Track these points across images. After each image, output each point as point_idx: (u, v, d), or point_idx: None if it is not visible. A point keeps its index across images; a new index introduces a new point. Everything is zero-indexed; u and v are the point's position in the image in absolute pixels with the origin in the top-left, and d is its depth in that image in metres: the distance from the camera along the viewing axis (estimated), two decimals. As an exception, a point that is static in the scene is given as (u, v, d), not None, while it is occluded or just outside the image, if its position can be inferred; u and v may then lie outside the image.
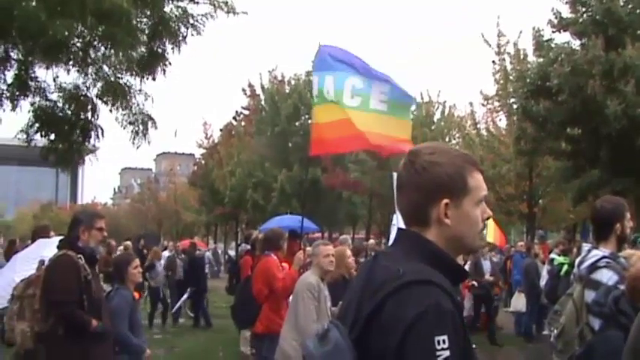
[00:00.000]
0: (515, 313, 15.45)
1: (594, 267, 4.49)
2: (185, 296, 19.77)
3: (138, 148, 15.09)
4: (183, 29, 14.38)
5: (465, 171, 2.14)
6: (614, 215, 4.69)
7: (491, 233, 16.30)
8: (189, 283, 19.57)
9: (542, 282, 13.46)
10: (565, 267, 11.46)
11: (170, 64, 14.97)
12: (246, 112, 50.49)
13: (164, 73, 15.00)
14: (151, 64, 14.87)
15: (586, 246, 4.92)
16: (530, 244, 20.41)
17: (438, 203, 2.11)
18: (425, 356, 1.84)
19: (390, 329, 1.89)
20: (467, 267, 14.91)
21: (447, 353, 1.83)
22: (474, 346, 9.15)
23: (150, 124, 15.37)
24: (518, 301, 15.35)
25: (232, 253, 35.09)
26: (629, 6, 25.14)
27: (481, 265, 14.61)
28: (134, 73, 14.93)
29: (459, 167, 2.13)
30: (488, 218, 2.26)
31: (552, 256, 14.11)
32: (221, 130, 55.22)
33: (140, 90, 15.19)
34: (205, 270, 21.30)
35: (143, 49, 14.64)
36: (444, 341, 1.84)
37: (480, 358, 13.93)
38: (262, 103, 47.47)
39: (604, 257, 4.53)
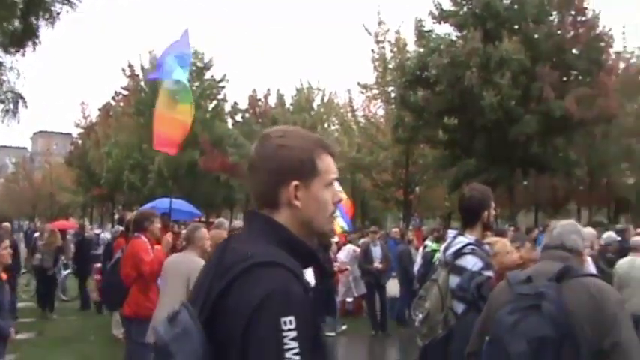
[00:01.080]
0: (389, 299, 15.17)
1: (459, 253, 4.47)
2: (63, 275, 18.60)
3: (8, 126, 14.47)
4: (58, 5, 13.85)
5: (314, 154, 2.10)
6: (482, 203, 4.67)
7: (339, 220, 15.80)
8: (77, 264, 18.42)
9: (416, 268, 13.23)
10: (437, 253, 11.08)
11: (40, 41, 14.37)
12: (125, 93, 48.78)
13: (34, 49, 14.33)
14: (22, 40, 14.19)
15: (451, 232, 4.93)
16: (404, 231, 20.13)
17: (288, 185, 2.06)
18: (271, 337, 1.80)
19: (238, 310, 1.86)
20: (358, 253, 14.64)
21: (293, 334, 1.80)
22: (344, 326, 10.59)
23: (21, 103, 14.94)
24: (392, 287, 15.07)
25: (108, 235, 33.78)
26: (507, 1, 25.59)
27: (371, 252, 14.05)
28: (6, 50, 14.27)
29: (309, 150, 2.10)
30: (339, 201, 2.20)
31: (426, 242, 13.96)
32: (99, 110, 53.46)
33: (12, 67, 14.67)
34: (97, 251, 20.02)
35: (17, 23, 13.93)
36: (290, 322, 1.81)
37: (355, 342, 13.51)
38: (142, 83, 46.04)
39: (469, 244, 4.50)
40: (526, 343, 2.72)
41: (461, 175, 25.15)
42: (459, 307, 4.32)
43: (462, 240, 4.56)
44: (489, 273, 4.35)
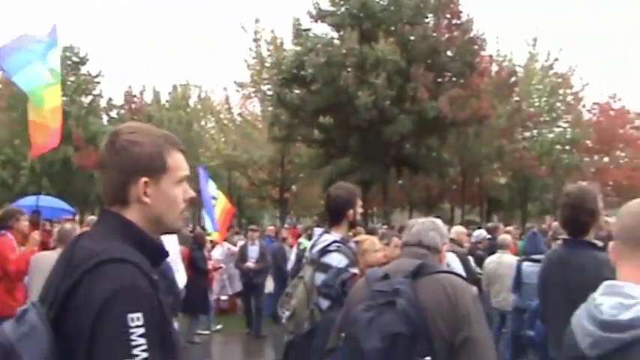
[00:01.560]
0: (266, 295, 15.14)
1: (325, 251, 4.50)
2: None
3: None
4: None
5: (164, 150, 2.12)
6: (347, 202, 4.72)
7: (218, 218, 15.65)
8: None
9: (290, 266, 13.28)
10: (308, 251, 11.15)
11: None
12: (-1, 87, 46.69)
13: None
14: None
15: (318, 230, 4.97)
16: (278, 229, 20.18)
17: (137, 182, 2.07)
18: (117, 333, 1.80)
19: (85, 307, 1.84)
20: (233, 251, 14.49)
21: (140, 330, 1.81)
22: (219, 326, 10.33)
23: None
24: (268, 284, 15.07)
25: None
26: (384, 2, 26.04)
27: (247, 251, 13.92)
28: None
29: (159, 147, 2.12)
30: (190, 199, 2.22)
31: (300, 240, 13.93)
32: (-29, 103, 50.57)
33: None
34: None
35: None
36: (138, 319, 1.82)
37: (230, 341, 13.41)
38: (14, 78, 43.78)
39: (335, 241, 4.53)
40: (380, 340, 2.75)
41: (335, 173, 25.43)
42: (324, 304, 4.38)
43: (328, 238, 4.60)
44: (355, 270, 4.40)
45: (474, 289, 3.54)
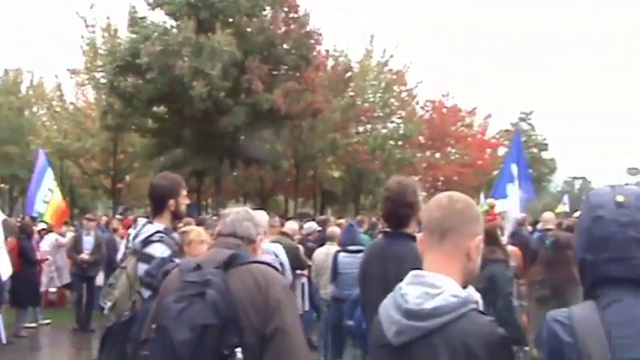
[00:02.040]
0: (97, 288, 15.05)
1: (148, 241, 4.50)
2: None
3: None
4: None
5: None
6: (169, 192, 4.72)
7: (51, 213, 15.47)
8: None
9: (120, 256, 13.22)
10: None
11: None
12: None
13: None
14: None
15: (141, 220, 4.86)
16: (110, 219, 20.06)
17: None
18: None
19: None
20: (62, 242, 14.35)
21: None
22: (49, 320, 10.49)
23: None
24: (98, 277, 15.01)
25: None
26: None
27: (81, 242, 13.63)
28: None
29: None
30: None
31: (130, 231, 13.78)
32: None
33: None
34: None
35: None
36: None
37: (58, 334, 13.16)
38: None
39: (158, 232, 4.53)
40: (189, 331, 2.77)
41: (168, 164, 25.31)
42: (146, 294, 4.34)
43: (151, 228, 4.59)
44: (178, 261, 4.17)
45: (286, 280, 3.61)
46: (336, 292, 8.76)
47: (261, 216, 4.95)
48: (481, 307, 2.17)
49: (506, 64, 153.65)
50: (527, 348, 7.97)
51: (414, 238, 4.07)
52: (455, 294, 2.11)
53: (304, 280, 10.00)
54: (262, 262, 3.19)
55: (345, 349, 9.03)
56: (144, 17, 26.59)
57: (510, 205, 14.05)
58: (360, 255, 7.55)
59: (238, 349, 2.80)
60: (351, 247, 8.57)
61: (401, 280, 2.26)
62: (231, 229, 3.32)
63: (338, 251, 8.86)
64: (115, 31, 28.70)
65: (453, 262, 2.24)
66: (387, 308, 2.23)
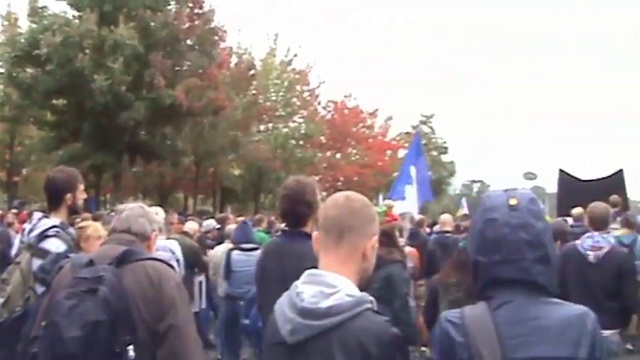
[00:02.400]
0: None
1: (43, 236, 4.43)
2: None
3: None
4: None
5: None
6: (66, 185, 4.66)
7: None
8: None
9: (14, 252, 13.19)
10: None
11: None
12: None
13: None
14: None
15: (37, 214, 4.75)
16: (5, 213, 19.88)
17: None
18: None
19: None
20: None
21: None
22: None
23: None
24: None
25: None
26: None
27: None
28: None
29: None
30: None
31: (25, 225, 13.70)
32: None
33: None
34: None
35: None
36: None
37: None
38: None
39: (54, 226, 4.47)
40: (80, 329, 2.74)
41: (66, 158, 25.06)
42: (40, 290, 4.25)
43: (47, 222, 4.50)
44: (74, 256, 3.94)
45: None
46: (229, 290, 8.77)
47: (157, 212, 5.00)
48: (376, 307, 2.19)
49: (410, 68, 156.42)
50: (423, 348, 8.40)
51: (311, 237, 4.06)
52: (350, 293, 2.14)
53: (202, 278, 10.17)
54: (156, 259, 3.23)
55: (242, 348, 9.04)
56: (45, 7, 26.24)
57: (408, 207, 14.64)
58: (255, 253, 7.99)
59: (130, 347, 2.82)
60: (244, 245, 8.59)
61: (298, 278, 2.28)
62: (126, 226, 3.33)
63: (231, 249, 8.84)
64: (16, 20, 28.29)
65: (349, 262, 2.26)
66: (283, 306, 2.24)
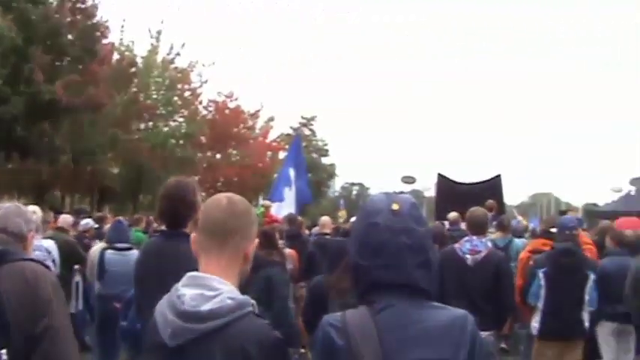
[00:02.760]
0: None
1: None
2: None
3: None
4: None
5: None
6: None
7: None
8: None
9: None
10: None
11: None
12: None
13: None
14: None
15: None
16: None
17: None
18: None
19: None
20: None
21: None
22: None
23: None
24: None
25: None
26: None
27: None
28: None
29: None
30: None
31: None
32: None
33: None
34: None
35: None
36: None
37: None
38: None
39: None
40: None
41: None
42: None
43: None
44: None
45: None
46: (102, 290, 8.64)
47: (34, 212, 4.94)
48: (257, 310, 2.22)
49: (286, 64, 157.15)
50: (303, 350, 8.51)
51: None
52: (232, 296, 2.15)
53: (78, 278, 10.13)
54: (33, 260, 3.13)
55: (119, 350, 8.48)
56: None
57: (287, 209, 14.82)
58: (129, 253, 8.14)
59: (3, 351, 2.73)
60: (118, 245, 8.50)
61: (178, 280, 2.27)
62: (2, 225, 3.23)
63: (105, 248, 8.68)
64: None
65: (231, 265, 2.27)
66: (163, 309, 2.22)
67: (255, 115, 42.57)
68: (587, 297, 7.18)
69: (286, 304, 6.73)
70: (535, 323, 7.34)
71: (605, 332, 7.95)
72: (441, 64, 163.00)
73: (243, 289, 2.27)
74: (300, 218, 13.62)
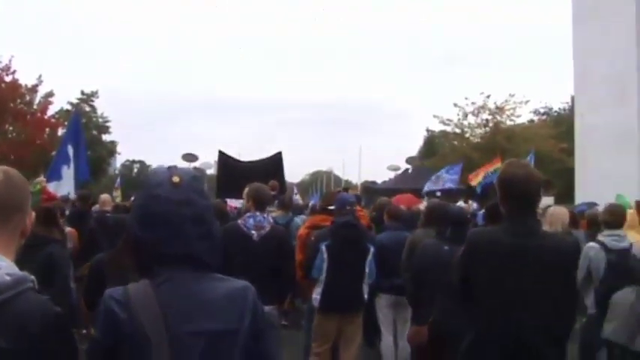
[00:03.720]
0: None
1: None
2: None
3: None
4: None
5: None
6: None
7: None
8: None
9: None
10: None
11: None
12: None
13: None
14: None
15: None
16: None
17: None
18: None
19: None
20: None
21: None
22: None
23: None
24: None
25: None
26: None
27: None
28: None
29: None
30: None
31: None
32: None
33: None
34: None
35: None
36: None
37: None
38: None
39: None
40: None
41: None
42: None
43: None
44: None
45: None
46: None
47: None
48: (37, 287, 2.08)
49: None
50: (85, 331, 8.09)
51: None
52: (10, 272, 2.03)
53: None
54: None
55: None
56: None
57: (66, 187, 14.63)
58: None
59: None
60: None
61: None
62: None
63: None
64: None
65: (11, 241, 2.17)
66: None
67: (33, 90, 41.06)
68: (367, 270, 7.51)
69: (67, 283, 6.61)
70: (317, 295, 7.54)
71: (382, 304, 8.49)
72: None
73: (19, 265, 2.15)
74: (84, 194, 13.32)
